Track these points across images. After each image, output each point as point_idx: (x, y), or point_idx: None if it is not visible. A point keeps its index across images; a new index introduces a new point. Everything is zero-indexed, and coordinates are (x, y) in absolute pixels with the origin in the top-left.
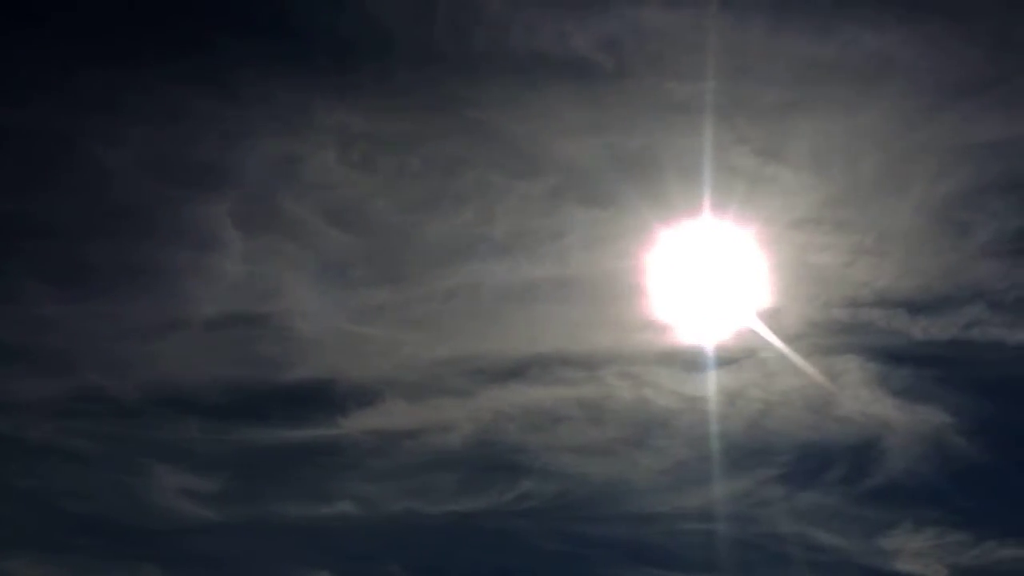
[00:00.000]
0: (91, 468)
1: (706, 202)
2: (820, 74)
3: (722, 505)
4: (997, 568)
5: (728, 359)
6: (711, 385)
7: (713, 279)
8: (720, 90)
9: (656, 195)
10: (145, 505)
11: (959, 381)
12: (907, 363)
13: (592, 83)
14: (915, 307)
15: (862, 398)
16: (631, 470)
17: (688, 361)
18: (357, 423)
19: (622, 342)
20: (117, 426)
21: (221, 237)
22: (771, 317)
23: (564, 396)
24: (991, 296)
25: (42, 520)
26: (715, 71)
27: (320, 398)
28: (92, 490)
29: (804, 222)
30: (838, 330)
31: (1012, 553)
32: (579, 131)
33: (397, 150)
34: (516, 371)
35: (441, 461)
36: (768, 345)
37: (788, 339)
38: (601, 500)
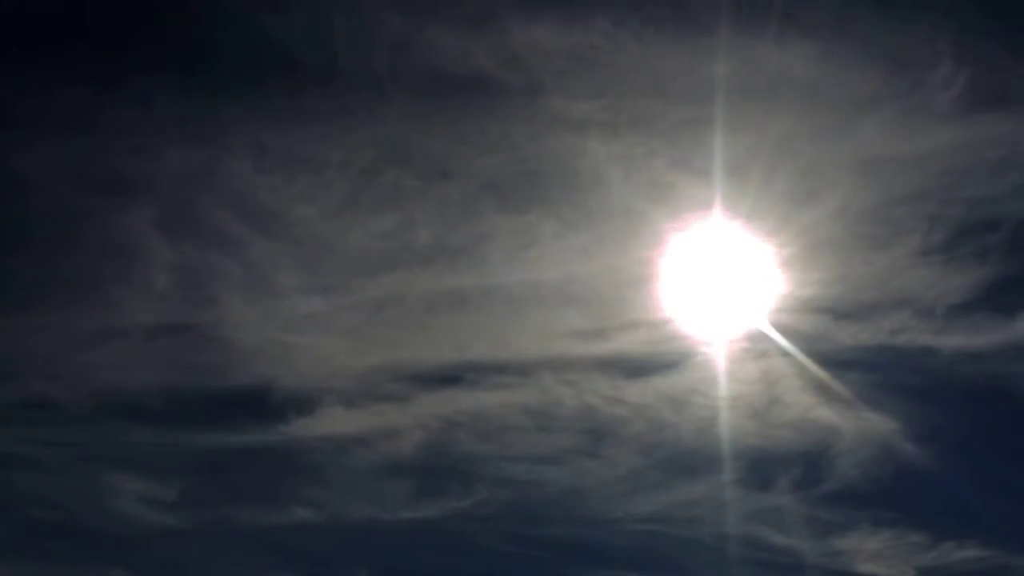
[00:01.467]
0: (50, 475)
1: (621, 213)
2: (726, 91)
3: (675, 509)
4: (958, 568)
5: (665, 365)
6: (652, 391)
7: (644, 286)
8: (629, 107)
9: (573, 204)
10: (107, 511)
11: (894, 386)
12: (841, 368)
13: (501, 100)
14: (840, 314)
15: (804, 403)
16: (583, 477)
17: (625, 368)
18: (300, 430)
19: (554, 349)
20: (69, 434)
21: (147, 246)
22: (700, 323)
23: (507, 402)
24: (916, 304)
25: (4, 525)
26: (622, 89)
27: (263, 405)
28: (53, 496)
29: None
30: (767, 336)
31: (972, 554)
32: (489, 145)
33: (310, 160)
34: (451, 377)
35: (394, 468)
36: (704, 351)
37: (721, 342)
38: (556, 506)
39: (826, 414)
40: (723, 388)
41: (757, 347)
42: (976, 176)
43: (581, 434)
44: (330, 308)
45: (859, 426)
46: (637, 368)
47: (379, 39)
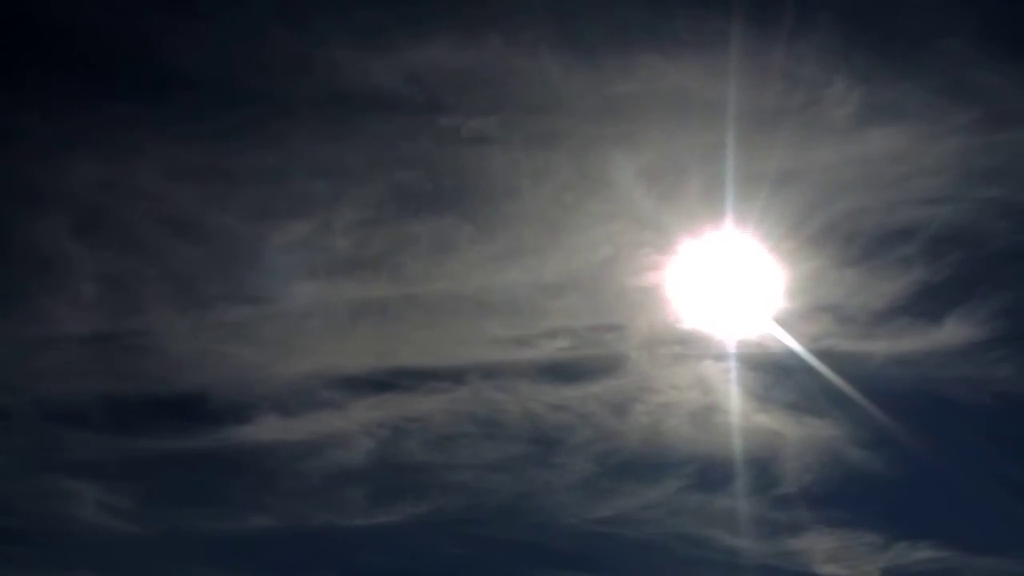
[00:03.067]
0: (5, 481)
1: (533, 222)
2: (626, 108)
3: (630, 514)
4: (914, 569)
5: (597, 370)
6: (593, 397)
7: (562, 293)
8: (529, 122)
9: (484, 214)
10: (66, 518)
11: (825, 391)
12: (770, 371)
13: (402, 116)
14: (760, 321)
15: (742, 408)
16: (536, 484)
17: (556, 374)
18: (245, 437)
19: (482, 356)
20: (18, 441)
21: (67, 256)
22: (626, 329)
23: (449, 409)
24: (838, 311)
25: None
26: (520, 105)
27: (206, 412)
28: (10, 503)
29: (643, 243)
30: (693, 340)
31: (926, 555)
32: (396, 159)
33: (218, 169)
34: (384, 384)
35: (346, 475)
36: (637, 356)
37: (648, 347)
38: (511, 511)
39: (764, 419)
40: (659, 393)
41: (686, 352)
42: (873, 187)
43: (529, 441)
44: (257, 317)
45: (800, 431)
46: (569, 374)
47: (279, 58)
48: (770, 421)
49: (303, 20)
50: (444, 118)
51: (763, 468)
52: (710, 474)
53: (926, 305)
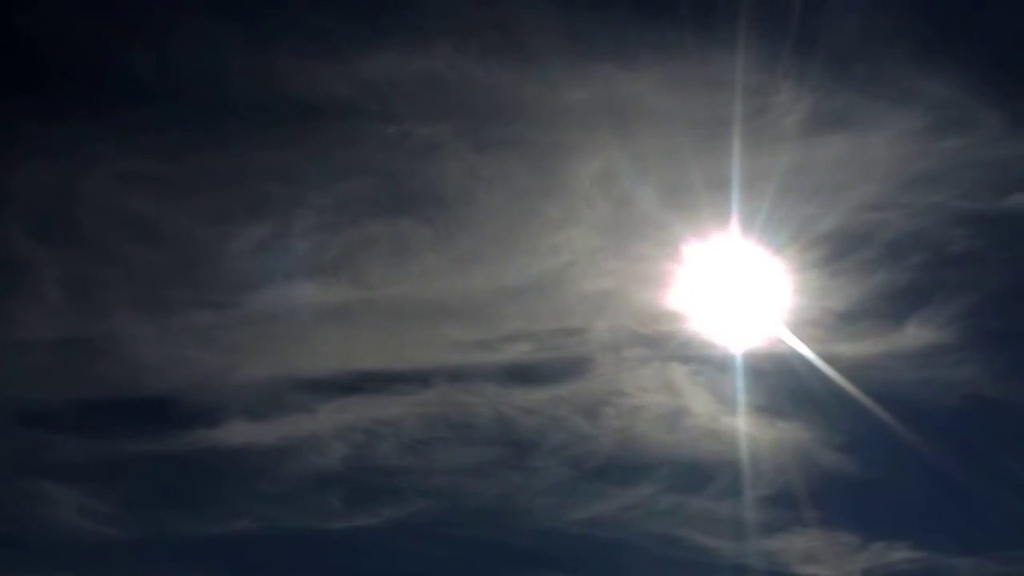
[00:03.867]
0: None
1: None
2: (579, 116)
3: (608, 517)
4: (893, 569)
5: (566, 373)
6: (560, 400)
7: (522, 298)
8: (482, 130)
9: (443, 219)
10: (42, 520)
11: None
12: (729, 372)
13: (355, 123)
14: (719, 323)
15: (710, 409)
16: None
17: (523, 377)
18: (216, 441)
19: (447, 359)
20: None
21: (32, 262)
22: (587, 333)
23: (419, 413)
24: (800, 314)
25: None
26: (477, 114)
27: (177, 417)
28: None
29: (601, 248)
30: (657, 342)
31: (903, 555)
32: (350, 165)
33: (173, 174)
34: (351, 387)
35: (322, 478)
36: (603, 359)
37: (612, 350)
38: (489, 513)
39: (733, 422)
40: (627, 396)
41: (651, 355)
42: (822, 192)
43: (499, 443)
44: (221, 321)
45: (769, 433)
46: (535, 377)
47: (230, 68)
48: (740, 424)
49: (253, 30)
50: (396, 126)
51: (735, 470)
52: (682, 476)
53: (886, 309)
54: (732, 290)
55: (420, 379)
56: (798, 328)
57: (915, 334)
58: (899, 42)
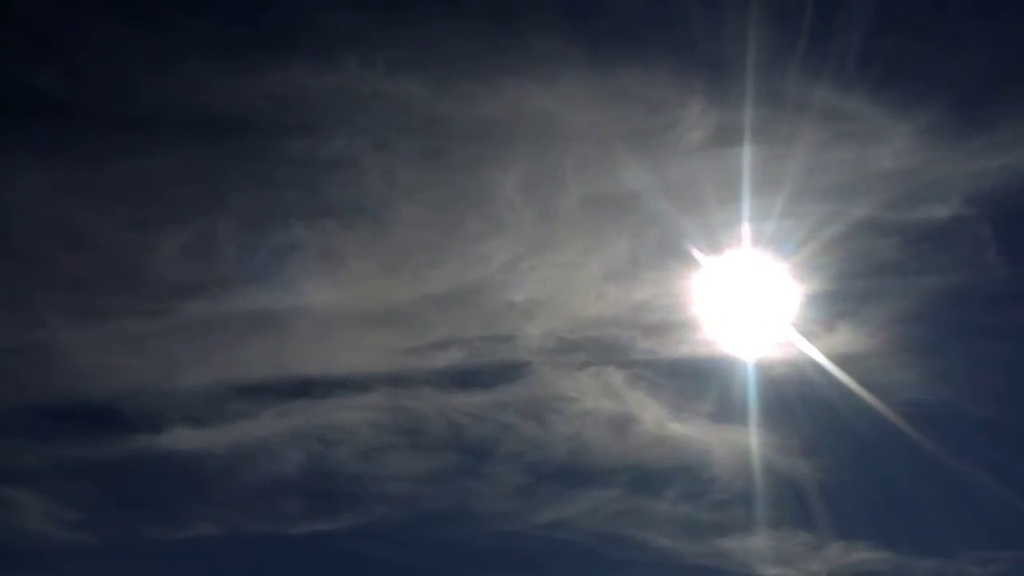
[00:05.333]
0: None
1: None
2: (494, 130)
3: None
4: (857, 569)
5: (504, 379)
6: (508, 406)
7: (449, 305)
8: (401, 144)
9: (368, 228)
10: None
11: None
12: (671, 375)
13: (272, 137)
14: (651, 329)
15: (654, 413)
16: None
17: (464, 382)
18: (160, 448)
19: (381, 366)
20: None
21: None
22: (517, 339)
23: (367, 420)
24: (721, 321)
25: None
26: (391, 127)
27: (121, 425)
28: None
29: (518, 261)
30: (580, 348)
31: (862, 556)
32: (264, 179)
33: (92, 182)
34: (293, 393)
35: (279, 484)
36: (537, 364)
37: (538, 356)
38: (451, 519)
39: (679, 427)
40: (563, 401)
41: (585, 360)
42: (731, 202)
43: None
44: (155, 328)
45: (715, 437)
46: (471, 382)
47: (143, 82)
48: (686, 429)
49: (165, 45)
50: (310, 138)
51: (678, 474)
52: (637, 481)
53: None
54: (661, 294)
55: (359, 385)
56: (733, 333)
57: (847, 340)
58: (808, 57)
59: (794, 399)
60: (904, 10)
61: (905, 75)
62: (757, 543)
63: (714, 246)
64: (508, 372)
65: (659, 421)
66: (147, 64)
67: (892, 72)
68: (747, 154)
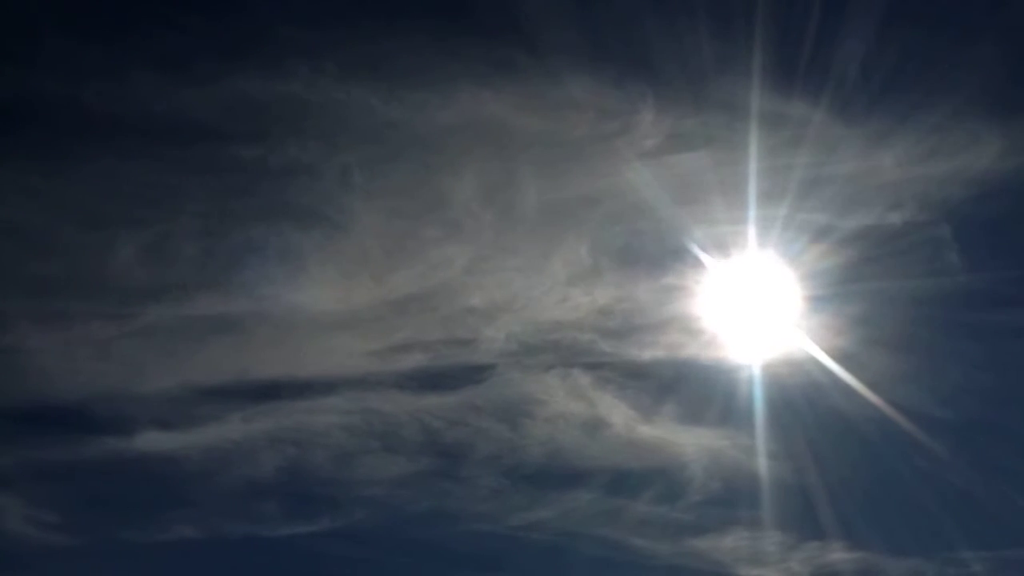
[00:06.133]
0: None
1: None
2: (448, 137)
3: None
4: (833, 569)
5: (469, 381)
6: (478, 410)
7: (409, 308)
8: (355, 151)
9: (327, 232)
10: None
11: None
12: (633, 376)
13: (223, 146)
14: (613, 333)
15: (624, 415)
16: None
17: (426, 384)
18: (130, 451)
19: (346, 369)
20: None
21: None
22: (478, 343)
23: (339, 423)
24: (680, 324)
25: None
26: (346, 134)
27: (93, 428)
28: None
29: (476, 265)
30: (550, 349)
31: (840, 556)
32: (221, 186)
33: (42, 187)
34: (260, 396)
35: (256, 487)
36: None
37: (503, 359)
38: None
39: (648, 428)
40: (528, 402)
41: (550, 362)
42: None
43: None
44: (115, 334)
45: (684, 439)
46: (436, 385)
47: (92, 90)
48: (656, 431)
49: (114, 54)
50: (261, 145)
51: (654, 478)
52: (612, 483)
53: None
54: (623, 298)
55: (325, 388)
56: (685, 336)
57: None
58: (760, 64)
59: (764, 400)
60: (853, 17)
61: (855, 82)
62: (731, 543)
63: (672, 249)
64: (473, 375)
65: (628, 424)
66: (101, 72)
67: (843, 78)
68: (700, 159)
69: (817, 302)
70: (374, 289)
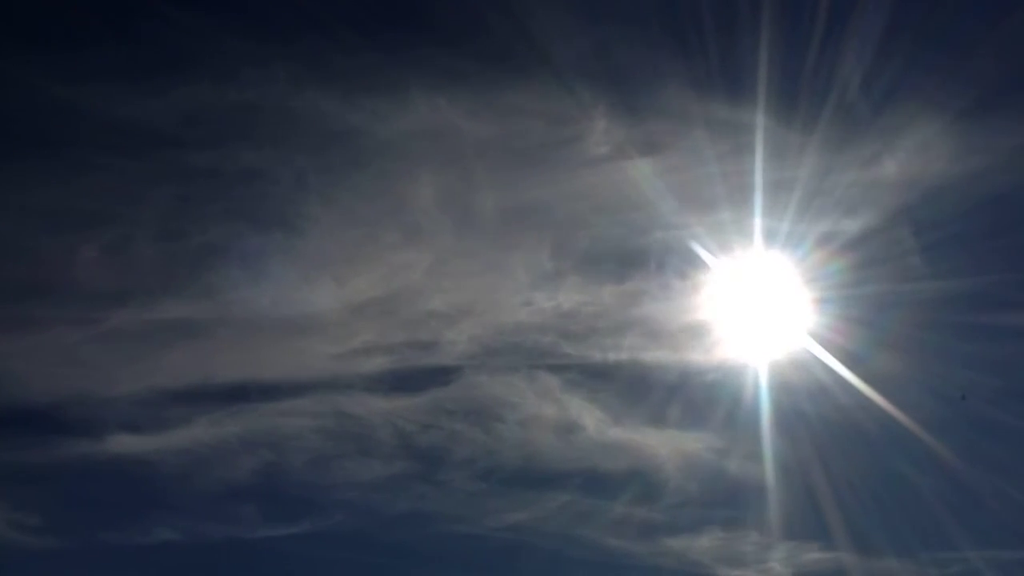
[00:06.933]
0: None
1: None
2: (406, 144)
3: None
4: (812, 569)
5: (435, 383)
6: (453, 412)
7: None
8: (314, 158)
9: (283, 238)
10: None
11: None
12: (599, 379)
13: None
14: (578, 336)
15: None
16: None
17: (398, 387)
18: (124, 450)
19: (311, 372)
20: None
21: None
22: (440, 345)
23: (312, 426)
24: (642, 327)
25: None
26: (301, 142)
27: (64, 431)
28: None
29: (439, 268)
30: (512, 351)
31: (816, 557)
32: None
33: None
34: (233, 397)
35: (234, 489)
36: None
37: (469, 358)
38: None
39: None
40: (489, 403)
41: (511, 363)
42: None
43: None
44: (74, 340)
45: (653, 439)
46: (399, 386)
47: (54, 99)
48: (627, 434)
49: (70, 66)
50: (216, 151)
51: (624, 480)
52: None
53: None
54: (588, 302)
55: (292, 391)
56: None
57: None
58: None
59: (729, 402)
60: (797, 25)
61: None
62: (707, 543)
63: (631, 253)
64: (439, 377)
65: (599, 427)
66: (59, 82)
67: (788, 86)
68: (650, 165)
69: (775, 304)
70: (334, 293)
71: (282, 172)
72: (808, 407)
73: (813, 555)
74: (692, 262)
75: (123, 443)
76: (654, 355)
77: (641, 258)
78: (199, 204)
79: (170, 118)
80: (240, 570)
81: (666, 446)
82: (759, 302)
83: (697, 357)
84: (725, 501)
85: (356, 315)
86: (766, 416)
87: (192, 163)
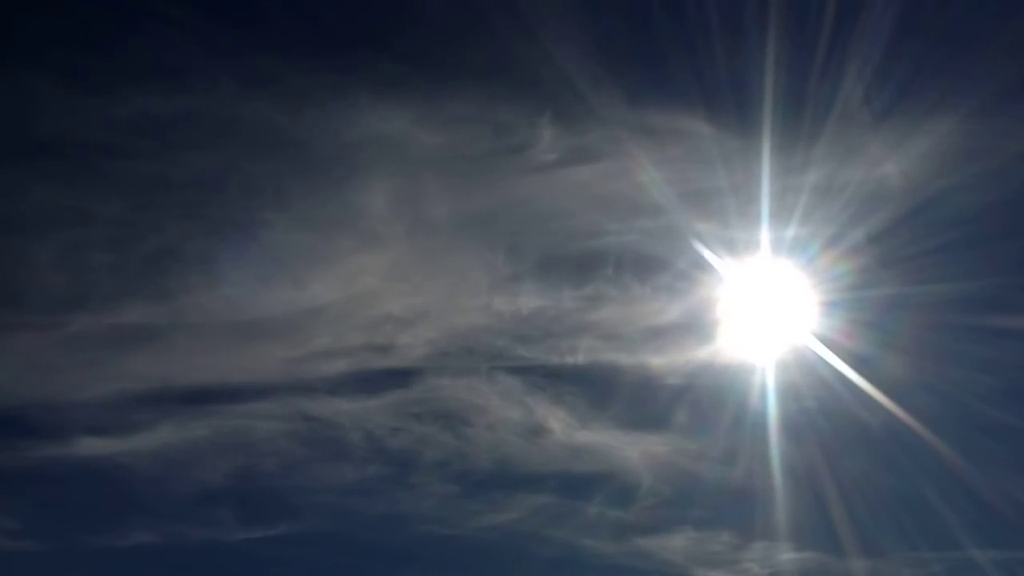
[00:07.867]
0: None
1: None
2: (355, 152)
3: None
4: (792, 568)
5: (395, 386)
6: (419, 414)
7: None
8: (257, 166)
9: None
10: None
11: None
12: (561, 380)
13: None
14: (531, 339)
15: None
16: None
17: (358, 388)
18: (91, 453)
19: (270, 375)
20: None
21: None
22: (393, 349)
23: (283, 429)
24: (598, 329)
25: None
26: (250, 150)
27: (31, 435)
28: None
29: (394, 273)
30: (469, 353)
31: (791, 556)
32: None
33: None
34: (195, 400)
35: (208, 494)
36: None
37: (429, 360)
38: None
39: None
40: (450, 404)
41: (469, 366)
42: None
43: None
44: (35, 345)
45: (619, 441)
46: (369, 388)
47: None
48: (597, 437)
49: (14, 73)
50: (161, 161)
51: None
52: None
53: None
54: (548, 307)
55: (253, 394)
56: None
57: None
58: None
59: (699, 404)
60: (741, 32)
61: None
62: (680, 543)
63: (587, 256)
64: (400, 379)
65: (567, 431)
66: (8, 91)
67: (727, 92)
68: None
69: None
70: (290, 297)
71: (234, 179)
72: (793, 407)
73: (787, 555)
74: (648, 265)
75: (92, 446)
76: (613, 357)
77: (597, 262)
78: (146, 211)
79: (111, 127)
80: (218, 572)
81: (635, 448)
82: (718, 304)
83: (657, 360)
84: (698, 501)
85: (313, 319)
86: (746, 418)
87: (138, 171)
